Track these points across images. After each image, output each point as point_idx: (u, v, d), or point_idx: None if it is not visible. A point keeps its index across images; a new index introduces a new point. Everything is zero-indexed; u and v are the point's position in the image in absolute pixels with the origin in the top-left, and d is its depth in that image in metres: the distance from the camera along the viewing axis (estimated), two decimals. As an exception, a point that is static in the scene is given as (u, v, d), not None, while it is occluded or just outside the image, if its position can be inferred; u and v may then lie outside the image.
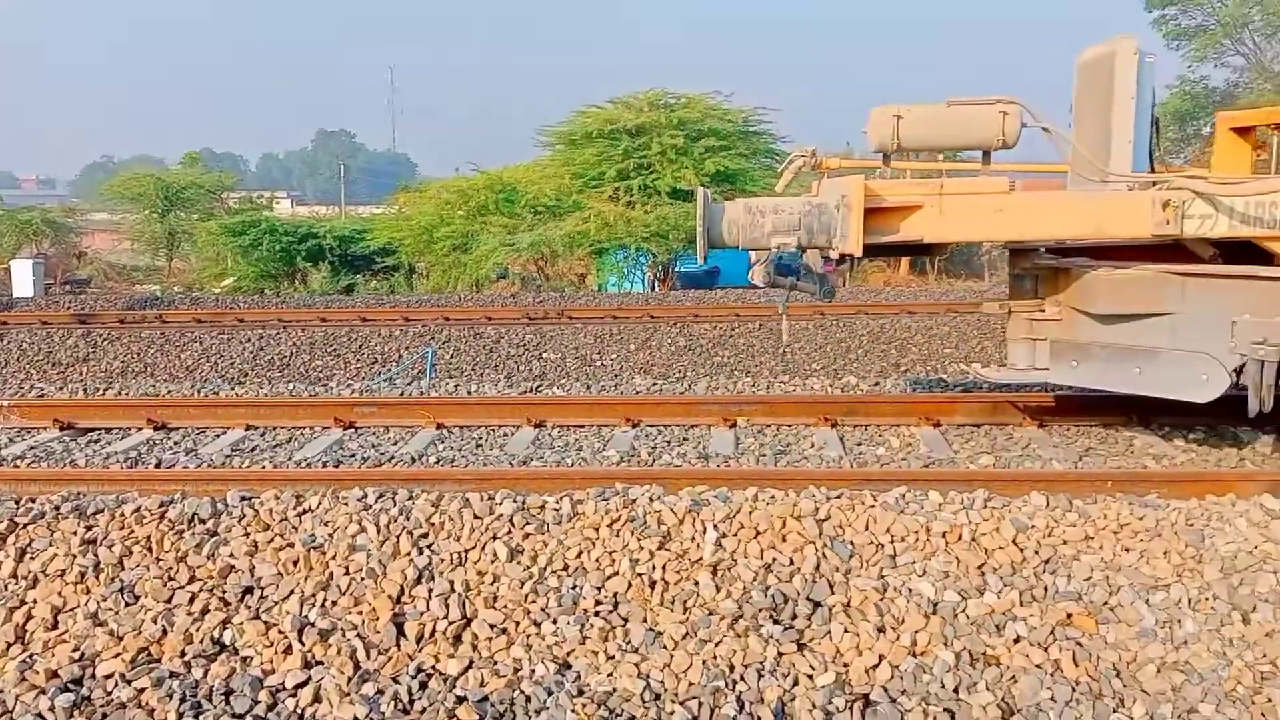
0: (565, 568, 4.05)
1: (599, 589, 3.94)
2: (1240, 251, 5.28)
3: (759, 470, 5.22)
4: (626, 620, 3.84)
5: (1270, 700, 3.45)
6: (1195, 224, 5.06)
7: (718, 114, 19.55)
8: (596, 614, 3.85)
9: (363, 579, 3.99)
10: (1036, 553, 4.01)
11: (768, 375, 10.42)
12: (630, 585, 3.95)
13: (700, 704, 3.50)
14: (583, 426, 6.68)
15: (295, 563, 4.07)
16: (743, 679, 3.60)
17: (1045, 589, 3.89)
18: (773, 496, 4.32)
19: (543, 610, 3.89)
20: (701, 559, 4.07)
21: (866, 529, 4.14)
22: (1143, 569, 3.92)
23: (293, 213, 36.50)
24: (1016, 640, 3.70)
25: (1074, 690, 3.51)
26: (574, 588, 3.96)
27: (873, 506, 4.23)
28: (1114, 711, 3.44)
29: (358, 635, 3.78)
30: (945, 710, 3.48)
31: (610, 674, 3.63)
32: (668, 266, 20.00)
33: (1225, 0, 27.27)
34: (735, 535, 4.15)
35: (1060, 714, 3.44)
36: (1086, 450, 6.00)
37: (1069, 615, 3.78)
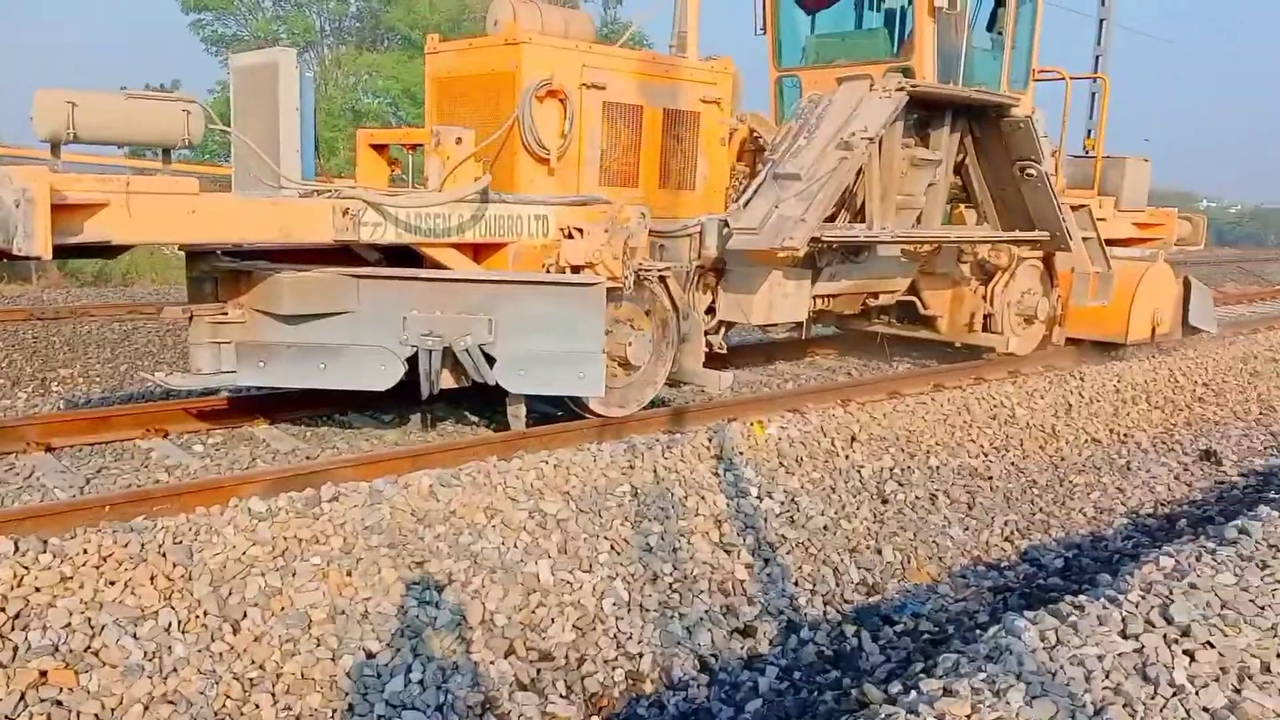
0: None
1: None
2: (405, 255, 5.88)
3: None
4: None
5: (258, 706, 3.52)
6: (369, 230, 5.51)
7: None
8: None
9: None
10: (3, 609, 3.46)
11: None
12: None
13: None
14: None
15: None
16: None
17: (16, 649, 3.38)
18: None
19: None
20: None
21: None
22: (128, 601, 3.67)
23: None
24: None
25: (47, 761, 3.09)
26: None
27: None
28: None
29: None
30: None
31: None
32: None
33: (258, 15, 28.87)
34: None
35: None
36: (99, 470, 5.56)
37: (43, 673, 3.33)
